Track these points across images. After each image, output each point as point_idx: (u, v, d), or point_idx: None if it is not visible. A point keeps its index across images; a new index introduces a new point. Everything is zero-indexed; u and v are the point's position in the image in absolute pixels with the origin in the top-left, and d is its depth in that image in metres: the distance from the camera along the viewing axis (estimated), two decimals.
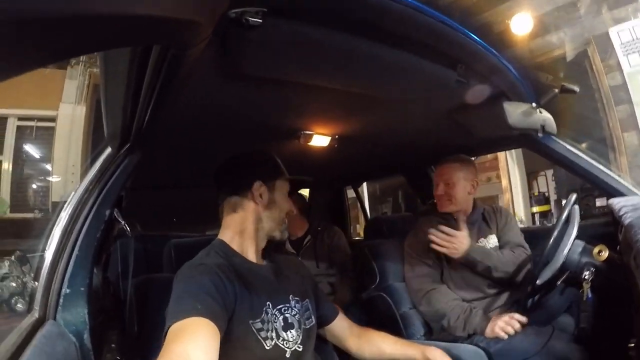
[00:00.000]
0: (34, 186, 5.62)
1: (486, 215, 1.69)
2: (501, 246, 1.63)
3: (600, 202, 3.16)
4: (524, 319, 1.40)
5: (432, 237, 1.53)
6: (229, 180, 1.10)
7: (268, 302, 0.99)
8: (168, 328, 0.82)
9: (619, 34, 3.06)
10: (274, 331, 0.96)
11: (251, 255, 1.06)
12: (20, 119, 5.47)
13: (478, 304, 1.56)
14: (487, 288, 1.58)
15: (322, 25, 0.75)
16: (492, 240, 1.64)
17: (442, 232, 1.52)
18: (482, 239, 1.63)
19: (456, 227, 1.62)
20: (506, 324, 1.39)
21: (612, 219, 1.42)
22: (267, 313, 0.97)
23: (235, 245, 1.05)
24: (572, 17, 3.10)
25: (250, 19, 0.65)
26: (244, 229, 1.06)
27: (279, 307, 1.01)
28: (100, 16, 0.39)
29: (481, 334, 1.44)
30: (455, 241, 1.51)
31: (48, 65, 0.42)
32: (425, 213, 1.82)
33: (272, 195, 1.08)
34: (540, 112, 1.36)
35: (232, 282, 0.94)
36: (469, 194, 1.66)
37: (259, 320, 0.95)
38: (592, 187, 1.98)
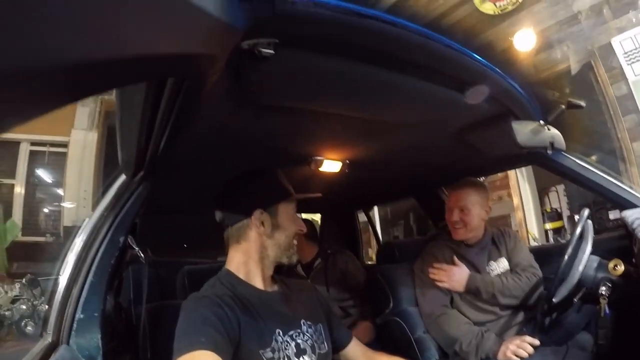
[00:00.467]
0: (46, 210, 5.69)
1: (495, 239, 1.68)
2: (511, 268, 1.61)
3: (613, 214, 3.11)
4: (536, 341, 1.38)
5: (432, 276, 1.57)
6: (228, 209, 1.07)
7: (278, 330, 0.98)
8: None
9: (621, 43, 3.06)
10: (285, 358, 0.95)
11: (258, 283, 1.04)
12: (33, 144, 5.58)
13: (491, 326, 1.54)
14: (500, 310, 1.56)
15: (332, 54, 0.77)
16: (502, 264, 1.62)
17: (439, 268, 1.57)
18: (492, 262, 1.62)
19: (466, 252, 1.64)
20: (517, 347, 1.37)
21: (626, 231, 1.40)
22: (277, 341, 0.96)
23: (241, 274, 1.03)
24: (574, 30, 3.12)
25: (263, 50, 0.67)
26: (248, 258, 1.04)
27: (289, 333, 1.00)
28: (123, 60, 0.40)
29: (494, 358, 1.41)
30: (453, 276, 1.52)
31: (66, 105, 0.44)
32: (435, 237, 1.81)
33: (275, 220, 1.04)
34: (549, 129, 1.37)
35: (236, 313, 0.93)
36: (482, 220, 1.64)
37: (269, 349, 0.93)
38: (605, 200, 1.95)
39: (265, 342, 0.94)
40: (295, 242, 1.09)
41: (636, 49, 3.02)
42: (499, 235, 1.69)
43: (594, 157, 2.26)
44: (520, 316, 1.56)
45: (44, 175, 5.76)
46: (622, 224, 1.49)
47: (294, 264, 1.08)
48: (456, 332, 1.51)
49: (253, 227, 1.03)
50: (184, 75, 0.64)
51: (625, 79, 3.06)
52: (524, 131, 1.28)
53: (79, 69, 0.36)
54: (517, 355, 1.36)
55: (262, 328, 0.95)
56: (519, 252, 1.64)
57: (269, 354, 0.93)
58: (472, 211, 1.61)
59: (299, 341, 1.00)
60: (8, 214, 5.25)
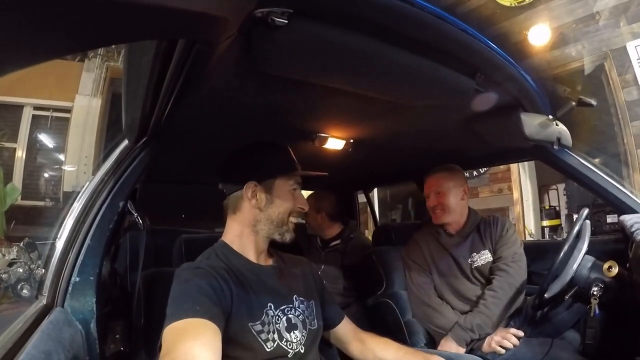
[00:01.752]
0: (46, 175, 5.70)
1: (481, 228, 1.66)
2: (494, 261, 1.59)
3: (611, 218, 3.13)
4: (520, 332, 1.41)
5: None
6: (226, 179, 1.08)
7: (270, 304, 0.99)
8: (165, 328, 0.82)
9: (636, 49, 3.02)
10: (275, 332, 0.96)
11: (252, 256, 1.05)
12: (36, 108, 5.56)
13: None
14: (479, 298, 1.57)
15: (346, 28, 0.75)
16: (484, 257, 1.61)
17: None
18: (474, 254, 1.61)
19: (446, 242, 1.65)
20: (502, 339, 1.39)
21: (623, 235, 1.41)
22: (267, 315, 0.97)
23: (236, 247, 1.04)
24: (590, 30, 3.07)
25: (276, 19, 0.66)
26: (242, 230, 1.05)
27: (281, 307, 1.01)
28: (131, 5, 0.39)
29: (478, 349, 1.44)
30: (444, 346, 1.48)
31: (74, 53, 0.43)
32: (425, 224, 1.81)
33: (269, 195, 1.04)
34: (557, 124, 1.36)
35: (229, 284, 0.94)
36: (461, 200, 1.65)
37: (258, 322, 0.94)
38: (604, 203, 1.95)
39: (255, 315, 0.95)
40: (292, 219, 1.08)
41: None
42: (485, 224, 1.66)
43: (597, 159, 2.25)
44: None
45: (46, 140, 5.75)
46: (619, 227, 1.50)
47: (286, 242, 1.07)
48: (445, 326, 1.53)
49: (246, 199, 1.03)
50: (195, 37, 0.63)
51: (637, 84, 3.03)
52: (533, 124, 1.26)
53: (91, 14, 0.35)
54: (501, 346, 1.38)
55: (253, 301, 0.96)
56: (504, 244, 1.60)
57: (259, 327, 0.94)
58: (447, 194, 1.64)
59: (290, 316, 1.01)
60: (9, 177, 5.26)
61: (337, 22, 0.73)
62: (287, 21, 0.67)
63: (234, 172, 1.07)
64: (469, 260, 1.61)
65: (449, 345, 1.46)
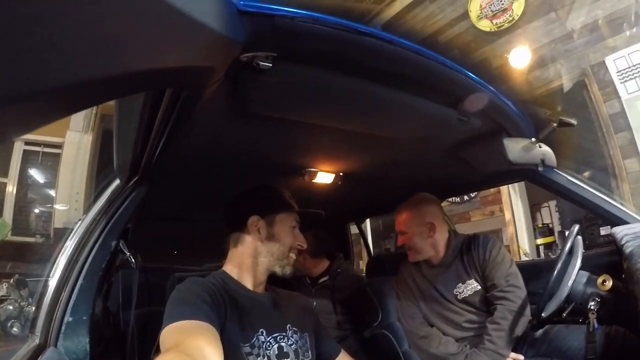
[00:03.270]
0: (37, 211, 5.63)
1: (464, 256, 1.58)
2: (488, 289, 1.51)
3: (604, 230, 3.13)
4: (520, 357, 1.39)
5: None
6: (230, 216, 1.12)
7: (262, 329, 0.99)
8: (164, 327, 0.82)
9: (615, 62, 3.12)
10: (265, 357, 0.95)
11: (249, 285, 1.06)
12: (28, 143, 5.54)
13: (473, 340, 1.52)
14: (478, 326, 1.53)
15: (329, 68, 0.78)
16: (471, 286, 1.54)
17: None
18: (460, 285, 1.55)
19: (429, 274, 1.61)
20: None
21: (617, 247, 1.42)
22: (258, 339, 0.97)
23: (234, 275, 1.06)
24: (568, 48, 3.17)
25: (261, 62, 0.69)
26: (242, 261, 1.07)
27: (274, 335, 1.00)
28: (127, 74, 0.41)
29: None
30: None
31: (67, 115, 0.44)
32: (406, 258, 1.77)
33: (271, 229, 1.08)
34: (540, 146, 1.38)
35: (224, 301, 0.95)
36: (429, 238, 1.59)
37: (248, 344, 0.94)
38: (596, 217, 1.97)
39: (246, 337, 0.95)
40: (292, 255, 1.10)
41: (630, 67, 3.07)
42: (468, 249, 1.58)
43: (586, 174, 2.29)
44: None
45: (37, 175, 5.71)
46: (612, 240, 1.50)
47: (286, 276, 1.09)
48: (442, 350, 1.50)
49: (249, 232, 1.06)
50: (183, 85, 0.65)
51: (619, 96, 3.11)
52: (516, 148, 1.29)
53: (82, 84, 0.37)
54: None
55: (245, 324, 0.97)
56: (493, 267, 1.50)
57: (247, 349, 0.94)
58: (409, 233, 1.60)
59: (283, 344, 1.00)
60: None
61: (320, 63, 0.76)
62: (271, 64, 0.70)
63: (237, 210, 1.11)
64: (454, 291, 1.55)
65: None
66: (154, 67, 0.44)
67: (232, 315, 0.95)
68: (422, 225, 1.59)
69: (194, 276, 1.03)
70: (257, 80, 0.73)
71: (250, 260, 1.07)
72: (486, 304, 1.53)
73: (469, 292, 1.53)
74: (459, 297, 1.54)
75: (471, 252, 1.56)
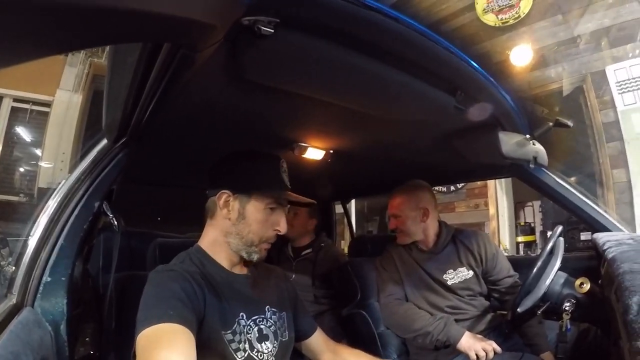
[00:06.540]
0: (22, 170, 5.52)
1: (458, 243, 1.65)
2: (492, 281, 1.61)
3: (585, 236, 3.21)
4: (498, 349, 1.42)
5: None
6: (210, 180, 1.04)
7: (242, 313, 0.97)
8: (139, 333, 0.80)
9: (615, 72, 3.13)
10: (247, 342, 0.95)
11: (226, 264, 1.02)
12: (16, 100, 5.39)
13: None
14: (453, 310, 1.58)
15: (331, 41, 0.76)
16: (461, 274, 1.60)
17: None
18: (450, 271, 1.60)
19: (419, 258, 1.66)
20: (482, 349, 1.40)
21: (596, 253, 1.44)
22: (239, 324, 0.95)
23: (210, 253, 1.02)
24: (571, 52, 3.17)
25: (262, 28, 0.66)
26: (215, 239, 1.02)
27: (253, 318, 0.99)
28: (121, 10, 0.39)
29: (454, 343, 1.44)
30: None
31: (58, 54, 0.43)
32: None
33: (242, 209, 0.99)
34: (534, 144, 1.39)
35: (202, 289, 0.92)
36: (421, 223, 1.64)
37: (230, 331, 0.93)
38: (578, 221, 2.01)
39: (227, 323, 0.94)
40: (264, 246, 1.03)
41: (629, 79, 3.09)
42: (462, 239, 1.66)
43: (573, 178, 2.31)
44: (484, 323, 1.59)
45: (24, 133, 5.58)
46: (592, 245, 1.53)
47: (254, 262, 1.04)
48: (416, 320, 1.54)
49: (221, 207, 1.00)
50: (181, 42, 0.63)
51: (614, 107, 3.14)
52: (510, 142, 1.30)
53: (78, 18, 0.35)
54: (477, 356, 1.39)
55: (225, 309, 0.95)
56: (495, 260, 1.61)
57: (230, 336, 0.93)
58: (403, 217, 1.65)
59: (262, 327, 1.00)
60: None
61: (322, 34, 0.74)
62: (273, 30, 0.68)
63: (215, 176, 1.03)
64: (444, 276, 1.60)
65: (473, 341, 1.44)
66: (152, 9, 0.42)
67: (212, 303, 0.92)
68: (415, 210, 1.65)
69: (170, 264, 0.99)
70: (256, 45, 0.71)
71: (222, 238, 1.01)
72: (472, 293, 1.60)
73: (458, 280, 1.60)
74: (448, 282, 1.59)
75: (465, 242, 1.64)
